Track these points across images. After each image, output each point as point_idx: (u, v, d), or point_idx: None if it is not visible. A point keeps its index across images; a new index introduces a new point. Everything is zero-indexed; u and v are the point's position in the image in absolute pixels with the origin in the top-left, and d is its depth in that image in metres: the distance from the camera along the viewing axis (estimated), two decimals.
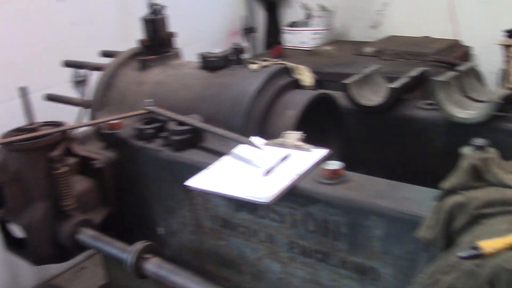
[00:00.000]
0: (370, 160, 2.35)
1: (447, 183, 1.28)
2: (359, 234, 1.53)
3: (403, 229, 1.43)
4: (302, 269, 1.72)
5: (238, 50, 2.20)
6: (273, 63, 2.13)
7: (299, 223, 1.65)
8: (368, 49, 4.22)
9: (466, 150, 1.33)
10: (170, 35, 2.47)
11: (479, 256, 0.98)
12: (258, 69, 2.09)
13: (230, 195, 1.65)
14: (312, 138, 2.26)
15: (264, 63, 2.12)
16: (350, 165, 2.38)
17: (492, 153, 1.29)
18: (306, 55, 4.52)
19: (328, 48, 4.61)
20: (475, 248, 0.99)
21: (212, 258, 2.00)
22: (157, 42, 2.38)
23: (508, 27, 3.97)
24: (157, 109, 2.12)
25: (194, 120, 1.98)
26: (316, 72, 3.95)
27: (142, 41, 2.36)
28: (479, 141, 1.29)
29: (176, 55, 2.49)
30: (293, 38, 4.74)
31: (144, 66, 2.38)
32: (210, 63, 2.20)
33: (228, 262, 1.95)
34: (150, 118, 2.14)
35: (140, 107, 2.19)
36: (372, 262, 1.54)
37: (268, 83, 2.05)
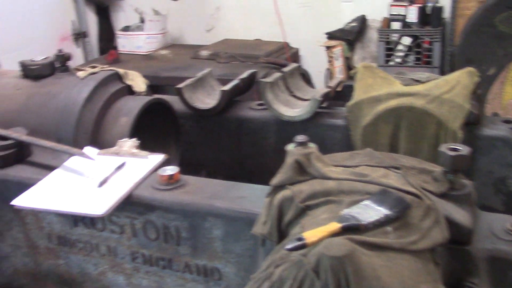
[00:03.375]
0: (209, 162, 2.39)
1: (276, 179, 1.35)
2: (200, 237, 1.55)
3: (241, 227, 1.48)
4: (147, 278, 1.69)
5: (63, 57, 2.09)
6: (102, 70, 2.05)
7: (140, 232, 1.62)
8: (204, 53, 4.29)
9: (289, 147, 1.41)
10: None
11: (304, 246, 1.05)
12: (86, 76, 2.00)
13: (62, 211, 1.57)
14: (152, 144, 2.24)
15: (92, 70, 2.04)
16: (192, 168, 2.41)
17: (313, 148, 1.39)
18: (143, 60, 4.45)
19: (164, 52, 4.59)
20: (300, 239, 1.06)
21: (52, 279, 1.87)
22: None
23: (329, 29, 4.34)
24: None
25: (18, 134, 1.84)
26: (153, 76, 3.94)
27: None
28: (300, 138, 1.39)
29: None
30: (128, 43, 4.64)
31: None
32: (32, 72, 2.06)
33: (69, 281, 1.84)
34: None
35: None
36: (215, 263, 1.57)
37: (98, 90, 1.97)
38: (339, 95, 3.49)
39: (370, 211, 1.14)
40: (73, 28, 4.88)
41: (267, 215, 1.35)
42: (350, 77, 2.32)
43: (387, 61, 4.08)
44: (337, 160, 1.43)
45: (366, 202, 1.18)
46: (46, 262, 1.83)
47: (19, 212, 1.77)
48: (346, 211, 1.14)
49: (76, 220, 1.70)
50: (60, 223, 1.74)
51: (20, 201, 1.60)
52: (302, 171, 1.35)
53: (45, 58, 2.11)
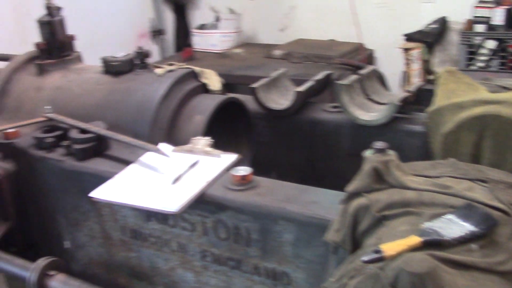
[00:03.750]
0: (281, 163, 2.37)
1: (351, 186, 1.31)
2: (270, 240, 1.53)
3: (312, 232, 1.44)
4: (215, 277, 1.70)
5: (142, 54, 2.13)
6: (179, 67, 2.08)
7: (211, 231, 1.63)
8: (277, 52, 4.28)
9: (367, 153, 1.36)
10: (70, 38, 2.35)
11: (382, 259, 1.00)
12: (164, 73, 2.04)
13: (137, 206, 1.59)
14: (224, 143, 2.25)
15: (170, 67, 2.07)
16: (262, 169, 2.39)
17: (392, 155, 1.33)
18: (216, 58, 4.51)
19: (238, 50, 4.63)
20: (377, 251, 1.01)
21: (123, 270, 1.92)
22: (55, 45, 2.24)
23: (407, 31, 4.20)
24: (57, 116, 2.00)
25: (98, 128, 1.89)
26: (226, 75, 3.97)
27: (38, 45, 2.22)
28: (379, 144, 1.33)
29: (77, 59, 2.38)
30: (202, 41, 4.71)
31: (42, 70, 2.25)
32: (113, 68, 2.12)
33: (140, 274, 1.88)
34: (50, 126, 2.02)
35: (39, 114, 2.07)
36: (284, 267, 1.54)
37: (175, 88, 2.00)
38: (415, 99, 3.36)
39: (454, 226, 1.07)
40: (151, 26, 5.02)
41: (341, 223, 1.31)
42: (428, 81, 2.23)
43: (469, 65, 3.89)
44: (418, 170, 1.36)
45: (449, 216, 1.11)
46: (119, 254, 1.88)
47: (95, 204, 1.82)
48: (427, 225, 1.08)
49: (149, 215, 1.72)
50: (134, 217, 1.77)
51: (97, 193, 1.65)
52: (380, 179, 1.30)
53: (125, 55, 2.17)
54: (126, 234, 1.82)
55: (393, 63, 4.47)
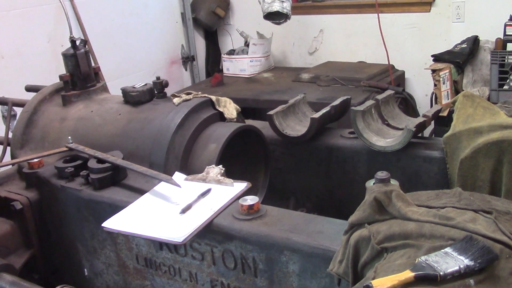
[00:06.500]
0: (299, 189, 2.36)
1: (353, 217, 1.29)
2: (277, 270, 1.52)
3: (317, 263, 1.43)
4: None
5: (161, 84, 2.18)
6: (195, 96, 2.12)
7: (219, 261, 1.63)
8: (305, 76, 4.28)
9: (369, 184, 1.34)
10: (95, 69, 2.42)
11: None
12: (181, 102, 2.07)
13: (145, 236, 1.62)
14: (242, 169, 2.26)
15: (187, 97, 2.11)
16: (280, 195, 2.40)
17: (394, 185, 1.31)
18: (245, 83, 4.55)
19: (266, 75, 4.66)
20: (368, 286, 0.99)
21: None
22: (79, 76, 2.32)
23: (438, 51, 4.13)
24: (77, 146, 2.07)
25: (115, 157, 1.94)
26: (253, 99, 4.01)
27: (61, 77, 2.31)
28: (381, 174, 1.31)
29: (102, 89, 2.45)
30: (232, 66, 4.77)
31: (67, 101, 2.33)
32: (132, 98, 2.17)
33: None
34: (71, 156, 2.09)
35: (62, 144, 2.14)
36: None
37: (190, 117, 2.03)
38: (445, 121, 3.29)
39: (450, 260, 1.03)
40: (182, 52, 5.12)
41: (343, 254, 1.29)
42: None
43: (501, 85, 3.78)
44: (422, 200, 1.33)
45: (447, 249, 1.08)
46: (134, 282, 1.90)
47: (111, 232, 1.85)
48: (422, 258, 1.05)
49: (161, 244, 1.74)
50: (147, 246, 1.80)
51: (109, 223, 1.68)
52: (382, 210, 1.27)
53: (144, 85, 2.22)
54: (140, 263, 1.84)
55: (425, 84, 4.40)
